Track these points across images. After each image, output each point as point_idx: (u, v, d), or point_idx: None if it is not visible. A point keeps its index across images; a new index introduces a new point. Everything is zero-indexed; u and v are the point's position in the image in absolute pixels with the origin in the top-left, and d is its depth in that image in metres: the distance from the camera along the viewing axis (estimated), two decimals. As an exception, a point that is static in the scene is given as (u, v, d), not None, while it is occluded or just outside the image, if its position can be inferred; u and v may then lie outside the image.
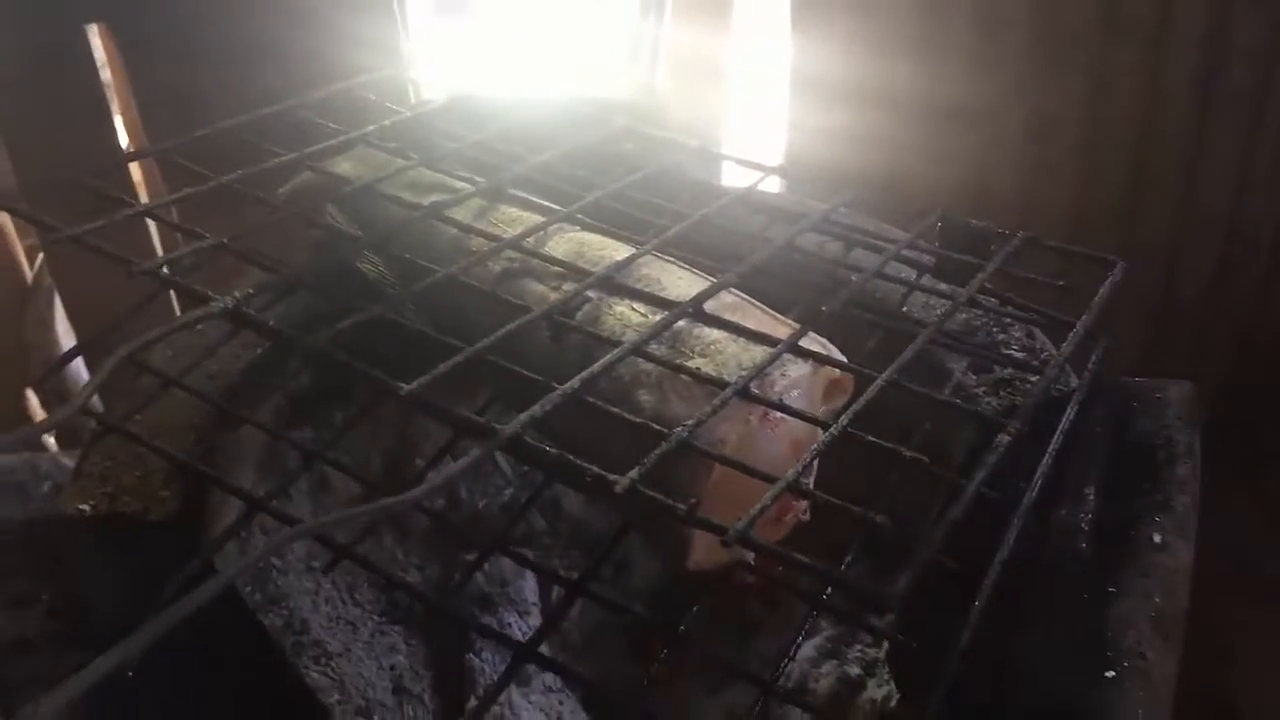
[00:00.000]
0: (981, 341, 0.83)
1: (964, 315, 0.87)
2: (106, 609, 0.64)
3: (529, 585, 0.96)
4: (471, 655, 0.91)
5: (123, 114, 1.52)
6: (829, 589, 0.66)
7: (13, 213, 0.69)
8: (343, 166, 0.82)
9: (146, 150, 0.79)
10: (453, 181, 0.80)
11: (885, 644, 0.87)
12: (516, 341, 0.64)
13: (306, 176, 0.81)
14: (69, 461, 1.51)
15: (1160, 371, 0.80)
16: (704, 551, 0.62)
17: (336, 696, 0.86)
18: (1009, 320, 0.87)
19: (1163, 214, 1.62)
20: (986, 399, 0.83)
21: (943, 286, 0.79)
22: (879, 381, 0.61)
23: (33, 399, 1.72)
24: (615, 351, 0.61)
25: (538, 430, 0.68)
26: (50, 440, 1.84)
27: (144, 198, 1.54)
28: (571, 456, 0.54)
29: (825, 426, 0.57)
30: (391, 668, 0.91)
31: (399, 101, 0.93)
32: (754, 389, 0.60)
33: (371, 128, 0.84)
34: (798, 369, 0.63)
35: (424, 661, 0.94)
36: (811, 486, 0.67)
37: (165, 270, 0.64)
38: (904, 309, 0.84)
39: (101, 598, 0.65)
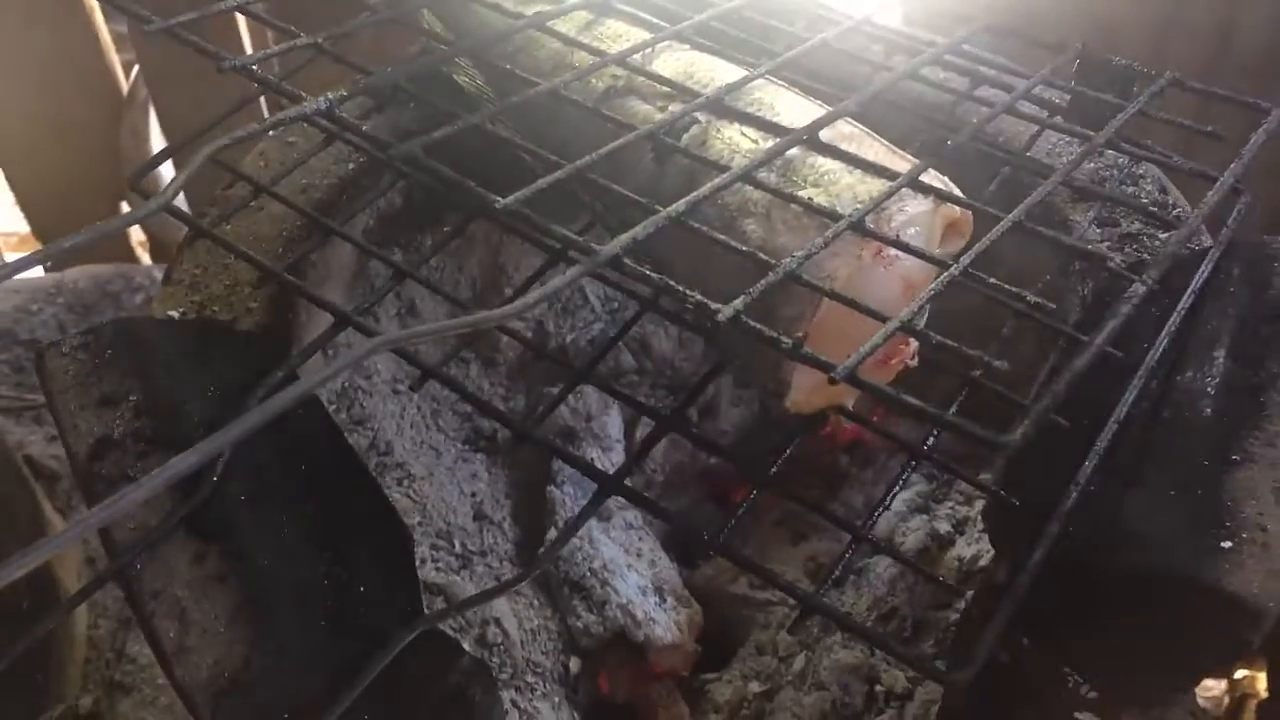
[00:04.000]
0: (1111, 193, 0.77)
1: (1092, 165, 0.81)
2: (192, 411, 0.64)
3: (613, 421, 0.94)
4: (552, 487, 0.90)
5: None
6: (930, 438, 0.63)
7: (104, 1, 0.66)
8: (442, -28, 0.78)
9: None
10: (557, -8, 0.76)
11: (982, 501, 0.84)
12: (618, 162, 0.60)
13: (405, -18, 0.77)
14: (161, 274, 1.52)
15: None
16: (803, 391, 0.59)
17: (418, 519, 0.86)
18: (1141, 173, 0.81)
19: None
20: (1111, 254, 0.78)
21: (1076, 129, 0.74)
22: (1006, 222, 0.57)
23: (127, 209, 1.73)
24: (723, 176, 0.57)
25: (636, 255, 0.65)
26: (144, 255, 1.87)
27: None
28: (673, 283, 0.51)
29: (944, 266, 0.54)
30: (473, 494, 0.91)
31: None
32: (869, 223, 0.56)
33: (473, -68, 0.79)
34: (917, 205, 0.58)
35: (504, 490, 0.94)
36: (915, 346, 0.63)
37: (257, 68, 0.61)
38: (1029, 153, 0.79)
39: (188, 400, 0.64)
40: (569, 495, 0.89)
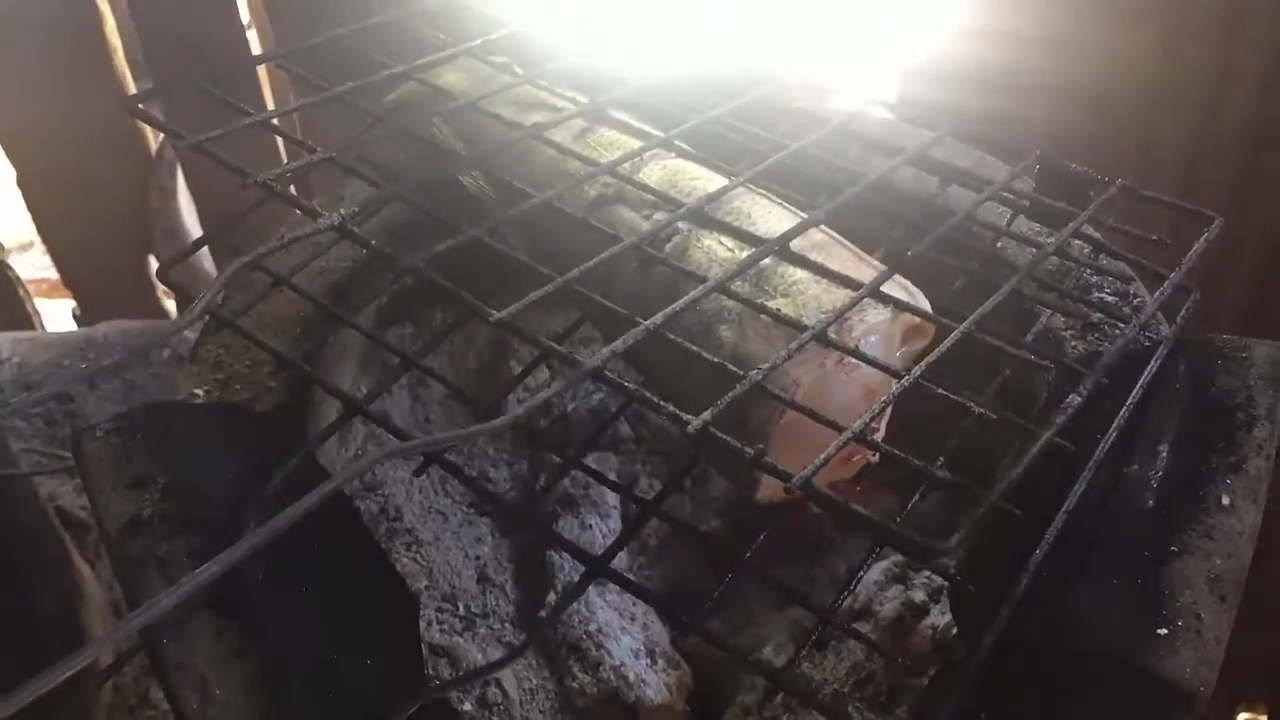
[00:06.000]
0: (1072, 286, 0.83)
1: (1059, 259, 0.86)
2: (216, 493, 0.69)
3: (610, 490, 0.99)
4: (552, 552, 0.95)
5: (253, 14, 1.55)
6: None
7: (140, 118, 0.73)
8: (448, 79, 0.84)
9: (262, 56, 0.81)
10: (555, 100, 0.81)
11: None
12: (606, 269, 0.66)
13: (411, 87, 0.83)
14: (188, 331, 1.59)
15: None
16: (772, 487, 0.64)
17: (424, 582, 0.91)
18: (1104, 269, 0.86)
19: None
20: (1074, 343, 0.83)
21: (1036, 229, 0.79)
22: (956, 333, 0.62)
23: (154, 263, 1.80)
24: (699, 289, 0.63)
25: (624, 358, 0.71)
26: (173, 308, 1.94)
27: (270, 100, 1.60)
28: (649, 393, 0.57)
29: (898, 376, 0.59)
30: (477, 558, 0.97)
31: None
32: (831, 334, 0.61)
33: (478, 41, 0.85)
34: (876, 315, 0.64)
35: (508, 554, 0.99)
36: (882, 432, 0.69)
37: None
38: (998, 247, 0.84)
39: (212, 482, 0.70)
40: (567, 560, 0.94)
